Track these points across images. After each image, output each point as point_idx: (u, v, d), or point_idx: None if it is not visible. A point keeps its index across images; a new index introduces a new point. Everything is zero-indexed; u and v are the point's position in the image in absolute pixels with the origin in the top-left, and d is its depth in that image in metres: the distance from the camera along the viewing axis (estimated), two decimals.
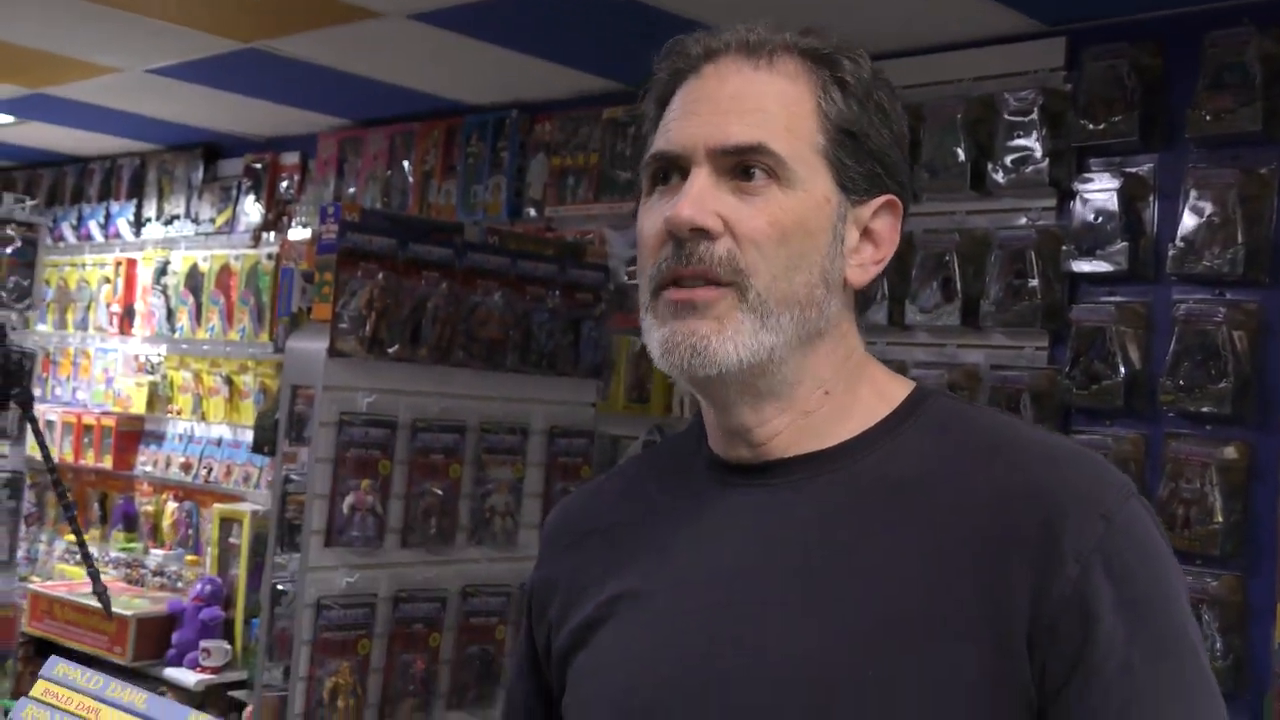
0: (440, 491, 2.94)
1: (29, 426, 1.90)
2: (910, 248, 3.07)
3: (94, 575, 3.02)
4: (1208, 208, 2.65)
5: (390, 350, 2.80)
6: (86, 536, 5.38)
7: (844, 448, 1.01)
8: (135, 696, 0.87)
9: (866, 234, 1.02)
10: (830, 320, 1.01)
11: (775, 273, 0.97)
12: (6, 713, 2.09)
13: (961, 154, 3.01)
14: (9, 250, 2.05)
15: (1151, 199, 2.80)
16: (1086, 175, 2.87)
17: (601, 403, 3.41)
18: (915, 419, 1.02)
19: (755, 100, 0.99)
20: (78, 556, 5.28)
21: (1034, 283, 2.88)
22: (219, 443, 4.94)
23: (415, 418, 2.89)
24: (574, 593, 1.08)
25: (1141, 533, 0.93)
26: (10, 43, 3.93)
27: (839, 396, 1.02)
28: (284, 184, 4.96)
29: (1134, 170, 2.81)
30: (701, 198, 0.97)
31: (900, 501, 0.97)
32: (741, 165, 0.97)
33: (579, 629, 1.06)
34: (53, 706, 0.85)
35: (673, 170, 1.00)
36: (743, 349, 0.96)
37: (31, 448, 3.17)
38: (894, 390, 1.04)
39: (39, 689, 0.86)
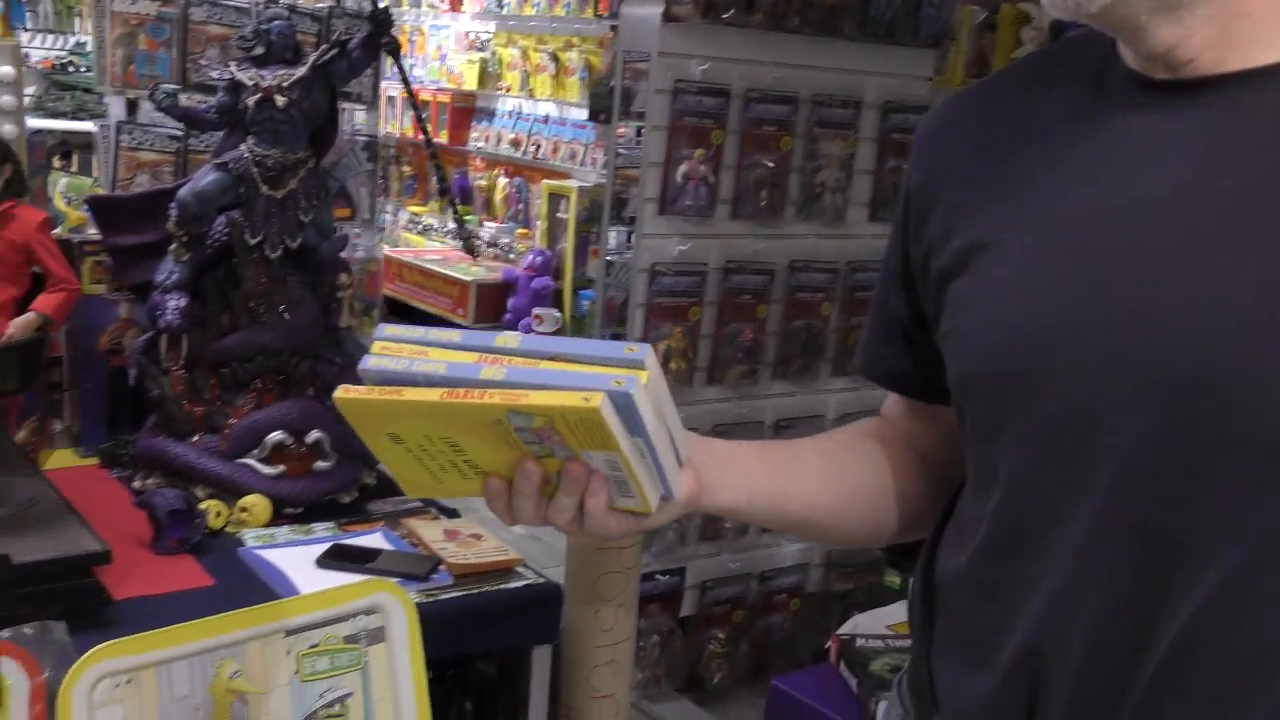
0: (771, 164, 2.90)
1: (398, 76, 1.95)
2: None
3: (459, 221, 3.20)
4: None
5: (725, 15, 2.73)
6: (424, 209, 5.73)
7: None
8: (452, 335, 0.92)
9: None
10: None
11: None
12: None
13: None
14: None
15: None
16: None
17: (938, 77, 3.24)
18: None
19: None
20: (421, 226, 5.64)
21: None
22: (546, 120, 5.06)
23: (748, 87, 2.83)
24: (957, 209, 0.99)
25: None
26: None
27: None
28: None
29: None
30: None
31: None
32: None
33: (963, 251, 0.97)
34: (390, 355, 0.91)
35: None
36: None
37: (382, 121, 3.32)
38: None
39: (376, 348, 0.92)
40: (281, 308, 1.88)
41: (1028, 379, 0.91)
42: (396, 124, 5.48)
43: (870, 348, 1.17)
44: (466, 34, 5.46)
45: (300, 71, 1.87)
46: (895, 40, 3.02)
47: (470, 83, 5.33)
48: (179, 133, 2.53)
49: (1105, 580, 0.87)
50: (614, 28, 3.82)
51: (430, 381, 0.89)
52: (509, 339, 0.91)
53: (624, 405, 0.87)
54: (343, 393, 0.90)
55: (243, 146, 1.86)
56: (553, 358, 0.90)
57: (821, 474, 1.12)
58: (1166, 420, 0.83)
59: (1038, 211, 0.93)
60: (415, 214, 5.56)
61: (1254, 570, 0.81)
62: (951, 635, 1.02)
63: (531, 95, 5.02)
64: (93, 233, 2.06)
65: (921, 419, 1.14)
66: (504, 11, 5.16)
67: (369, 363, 0.91)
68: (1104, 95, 0.93)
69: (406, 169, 5.75)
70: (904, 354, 1.11)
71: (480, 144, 5.33)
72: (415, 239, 5.55)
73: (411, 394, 0.89)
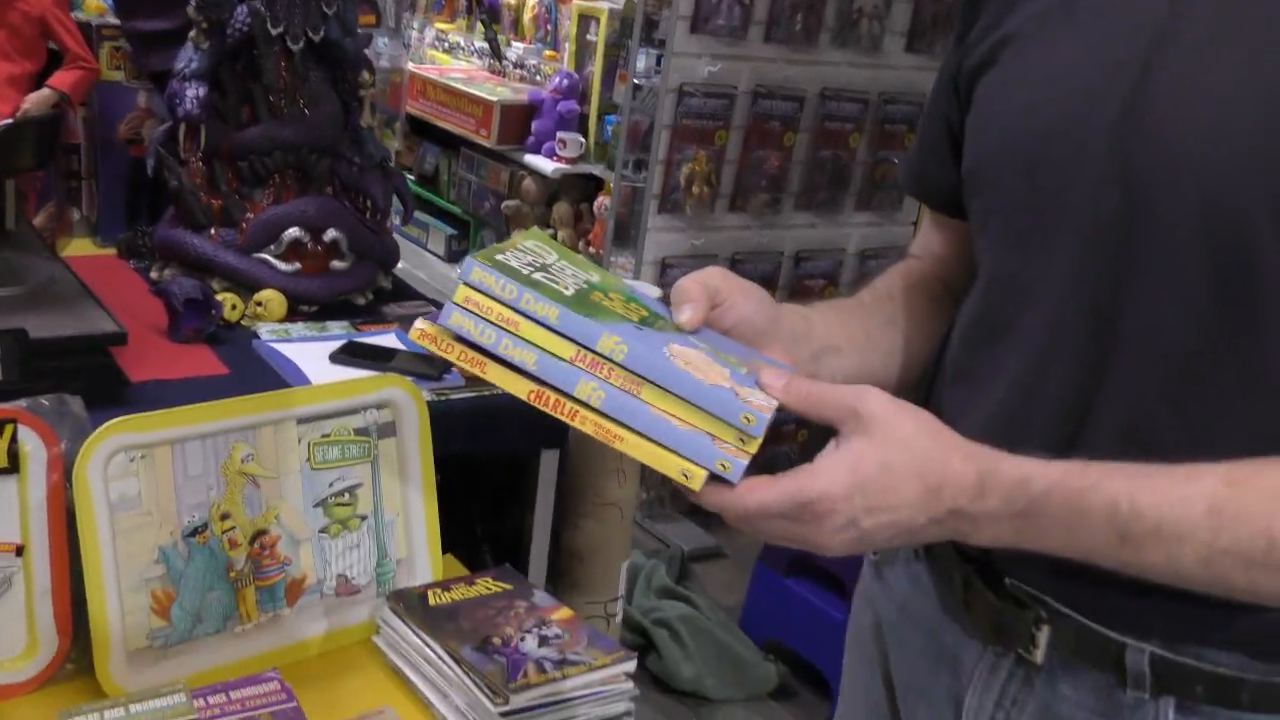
0: None
1: None
2: None
3: (491, 39, 3.15)
4: None
5: None
6: (452, 26, 5.61)
7: None
8: (549, 311, 0.85)
9: None
10: None
11: None
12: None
13: None
14: None
15: None
16: None
17: None
18: None
19: None
20: (447, 44, 5.53)
21: None
22: None
23: None
24: (996, 9, 1.00)
25: None
26: None
27: None
28: None
29: None
30: None
31: None
32: None
33: (993, 45, 0.99)
34: (477, 316, 0.86)
35: None
36: None
37: None
38: None
39: (460, 295, 0.86)
40: (302, 102, 1.85)
41: (1019, 169, 0.94)
42: None
43: (916, 161, 1.17)
44: None
45: None
46: None
47: None
48: None
49: (1063, 363, 0.90)
50: None
51: (517, 369, 0.85)
52: (615, 343, 0.84)
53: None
54: (420, 336, 0.86)
55: None
56: (662, 386, 0.84)
57: (860, 322, 1.10)
58: (1124, 203, 0.86)
59: (1060, 2, 0.94)
60: (442, 31, 5.44)
61: (1198, 360, 0.84)
62: None
63: None
64: (111, 18, 2.02)
65: (959, 241, 1.13)
66: None
67: (450, 319, 0.86)
68: None
69: None
70: (948, 164, 1.10)
71: None
72: (441, 57, 5.44)
73: (496, 373, 0.85)
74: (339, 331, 1.75)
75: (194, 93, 1.78)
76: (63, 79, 1.74)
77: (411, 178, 5.09)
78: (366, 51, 1.98)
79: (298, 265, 1.80)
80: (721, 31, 2.71)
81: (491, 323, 0.85)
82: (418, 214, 4.89)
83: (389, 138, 3.05)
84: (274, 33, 1.80)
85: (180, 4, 1.81)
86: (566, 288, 0.89)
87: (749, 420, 0.83)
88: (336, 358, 1.64)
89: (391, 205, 1.98)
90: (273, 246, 1.79)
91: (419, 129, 4.96)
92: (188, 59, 1.79)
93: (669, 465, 0.82)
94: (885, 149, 3.03)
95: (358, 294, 1.88)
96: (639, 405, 0.83)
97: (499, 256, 0.90)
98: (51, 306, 1.46)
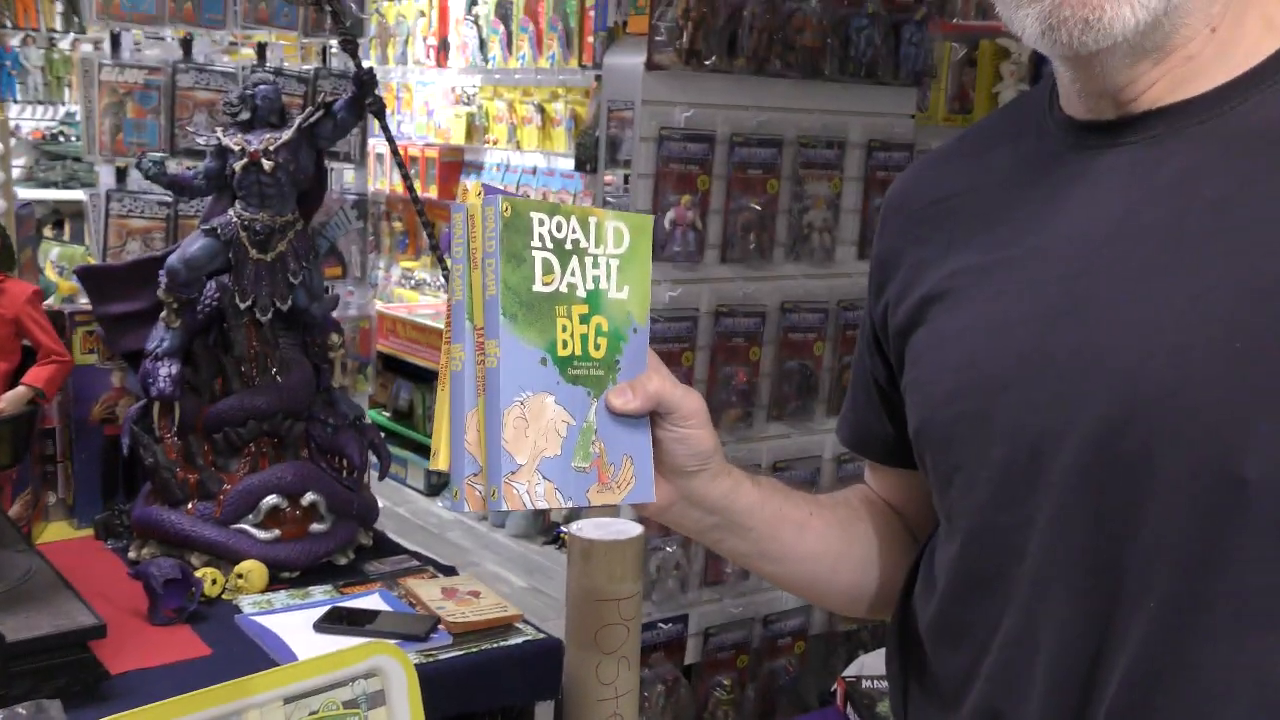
0: (758, 207, 2.91)
1: (383, 136, 1.95)
2: None
3: (441, 261, 3.21)
4: None
5: (707, 62, 2.74)
6: (415, 264, 5.73)
7: (1216, 94, 0.87)
8: (490, 283, 0.92)
9: None
10: None
11: None
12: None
13: None
14: None
15: None
16: None
17: (921, 114, 3.25)
18: None
19: None
20: (414, 281, 5.64)
21: None
22: (534, 171, 5.07)
23: (733, 132, 2.84)
24: (915, 268, 1.02)
25: None
26: None
27: (1225, 31, 0.87)
28: None
29: None
30: None
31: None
32: None
33: (919, 305, 1.00)
34: (491, 228, 0.92)
35: None
36: (1139, 8, 0.83)
37: (370, 179, 3.34)
38: None
39: (505, 205, 0.91)
40: (274, 370, 1.87)
41: (976, 423, 0.93)
42: (386, 181, 5.50)
43: (851, 418, 1.18)
44: (453, 89, 5.50)
45: (286, 135, 1.87)
46: (877, 79, 3.03)
47: (458, 137, 5.35)
48: (168, 199, 2.53)
49: (1057, 621, 0.87)
50: (598, 78, 3.84)
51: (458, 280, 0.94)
52: (494, 351, 0.91)
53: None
54: (464, 194, 0.93)
55: (230, 211, 1.86)
56: (485, 410, 0.92)
57: (820, 520, 1.12)
58: (1100, 453, 0.84)
59: (986, 259, 0.95)
60: (408, 269, 5.57)
61: (1191, 604, 0.81)
62: (925, 686, 1.03)
63: (519, 147, 5.05)
64: (84, 302, 2.05)
65: (905, 487, 1.13)
66: (489, 65, 5.19)
67: (490, 208, 0.91)
68: (1046, 143, 0.96)
69: (398, 225, 5.76)
70: (884, 420, 1.11)
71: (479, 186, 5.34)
72: (409, 294, 5.55)
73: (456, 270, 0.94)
74: (322, 597, 1.73)
75: (168, 371, 1.80)
76: (38, 374, 1.76)
77: (387, 414, 5.12)
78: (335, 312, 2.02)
79: (277, 532, 1.79)
80: (679, 258, 2.78)
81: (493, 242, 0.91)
82: (395, 451, 4.89)
83: (362, 383, 3.08)
84: (243, 306, 1.84)
85: (150, 286, 1.86)
86: (552, 282, 0.93)
87: (455, 495, 0.92)
88: (321, 626, 1.61)
89: (368, 461, 1.99)
90: (251, 516, 1.78)
91: (391, 366, 5.02)
92: (159, 339, 1.82)
93: (440, 453, 0.93)
94: (849, 354, 3.07)
95: (339, 554, 1.86)
96: (466, 399, 0.92)
97: (547, 217, 0.94)
98: (28, 604, 1.44)
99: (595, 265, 0.96)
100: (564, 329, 0.94)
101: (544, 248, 0.93)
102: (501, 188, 0.92)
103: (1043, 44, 0.87)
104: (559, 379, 0.93)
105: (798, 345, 3.03)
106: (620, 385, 0.96)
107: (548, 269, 0.93)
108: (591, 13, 4.43)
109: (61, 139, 6.53)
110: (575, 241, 0.95)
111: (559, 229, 0.94)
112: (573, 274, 0.94)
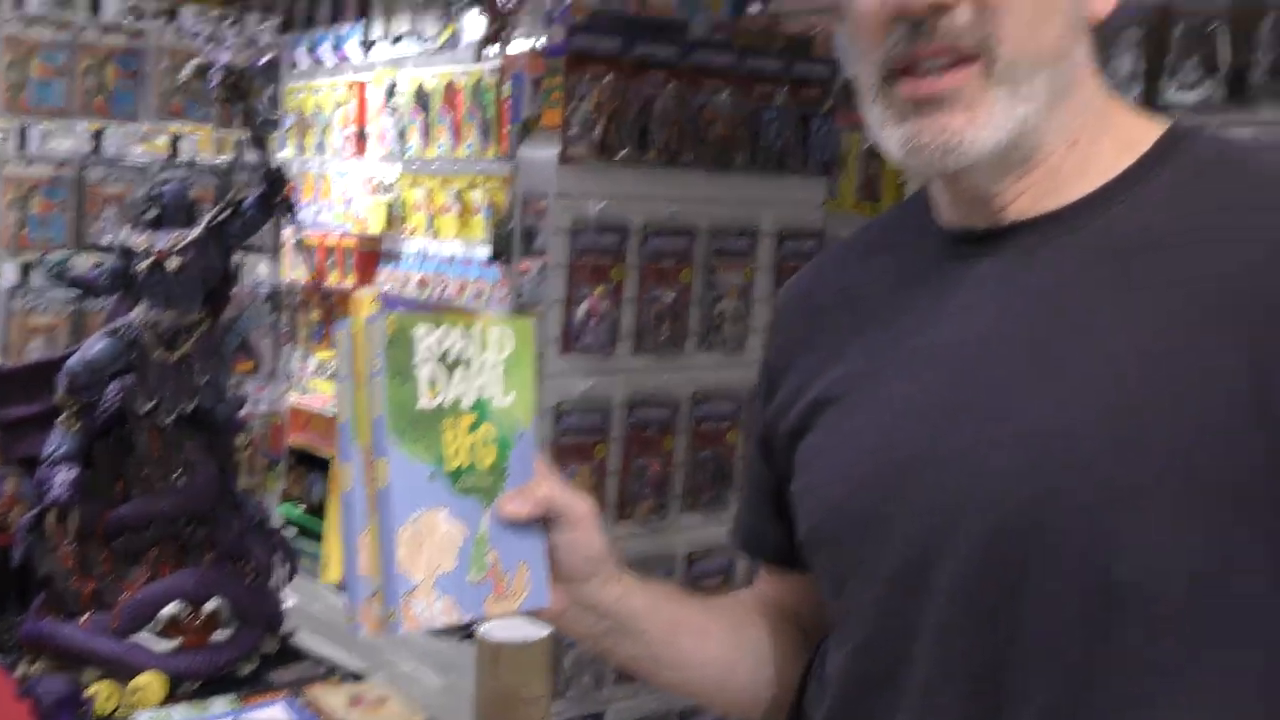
0: (671, 297, 2.94)
1: (291, 239, 1.94)
2: (1168, 17, 2.81)
3: None
4: None
5: (619, 155, 2.78)
6: (332, 354, 5.68)
7: (1077, 207, 0.91)
8: (377, 405, 0.91)
9: None
10: (1077, 67, 0.91)
11: (1023, 32, 0.87)
12: (285, 519, 2.26)
13: None
14: (263, 61, 2.09)
15: None
16: None
17: (830, 201, 3.32)
18: (1168, 163, 0.90)
19: None
20: (330, 372, 5.57)
21: None
22: (451, 260, 5.06)
23: (645, 223, 2.87)
24: (802, 373, 1.04)
25: None
26: None
27: (1085, 146, 0.92)
28: None
29: None
30: None
31: (1148, 257, 0.87)
32: None
33: (807, 410, 1.02)
34: (377, 347, 0.91)
35: None
36: (999, 130, 0.88)
37: (284, 270, 3.31)
38: (1142, 134, 0.93)
39: (392, 324, 0.92)
40: (177, 473, 1.83)
41: (867, 528, 0.94)
42: (301, 271, 5.46)
43: (744, 522, 1.18)
44: (371, 178, 5.49)
45: (193, 233, 1.85)
46: (786, 169, 3.09)
47: (376, 226, 5.33)
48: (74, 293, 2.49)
49: None
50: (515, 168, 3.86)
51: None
52: (384, 470, 0.91)
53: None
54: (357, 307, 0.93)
55: (135, 312, 1.83)
56: (379, 533, 0.91)
57: (714, 624, 1.12)
58: (983, 558, 0.86)
59: (873, 364, 0.98)
60: (324, 360, 5.51)
61: (1071, 708, 0.83)
62: None
63: (437, 235, 5.04)
64: None
65: (798, 590, 1.13)
66: (408, 154, 5.20)
67: (375, 326, 0.91)
68: (925, 252, 0.99)
69: (314, 315, 5.72)
70: (776, 524, 1.11)
71: (388, 287, 5.32)
72: (324, 385, 5.48)
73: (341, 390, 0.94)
74: (223, 709, 1.67)
75: (64, 477, 1.75)
76: None
77: (301, 507, 5.03)
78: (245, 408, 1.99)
79: (178, 641, 1.74)
80: (592, 349, 2.79)
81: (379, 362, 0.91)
82: (308, 546, 4.80)
83: (273, 480, 3.03)
84: (145, 408, 1.80)
85: (48, 389, 1.81)
86: (438, 395, 0.93)
87: (351, 619, 0.92)
88: None
89: (275, 564, 1.94)
90: (150, 625, 1.73)
91: (304, 460, 4.94)
92: (57, 443, 1.78)
93: (332, 569, 0.92)
94: None
95: (243, 663, 1.80)
96: (357, 521, 0.92)
97: (431, 330, 0.94)
98: None
99: (480, 374, 0.97)
100: (451, 442, 0.94)
101: (429, 360, 0.93)
102: (398, 295, 0.93)
103: (907, 164, 0.92)
104: (450, 492, 0.93)
105: (711, 435, 3.04)
106: (510, 493, 0.96)
107: (433, 384, 0.93)
108: (509, 103, 4.46)
109: None
110: (460, 351, 0.95)
111: (443, 341, 0.94)
112: (458, 386, 0.95)
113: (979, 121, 0.88)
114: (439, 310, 1.02)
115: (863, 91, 0.93)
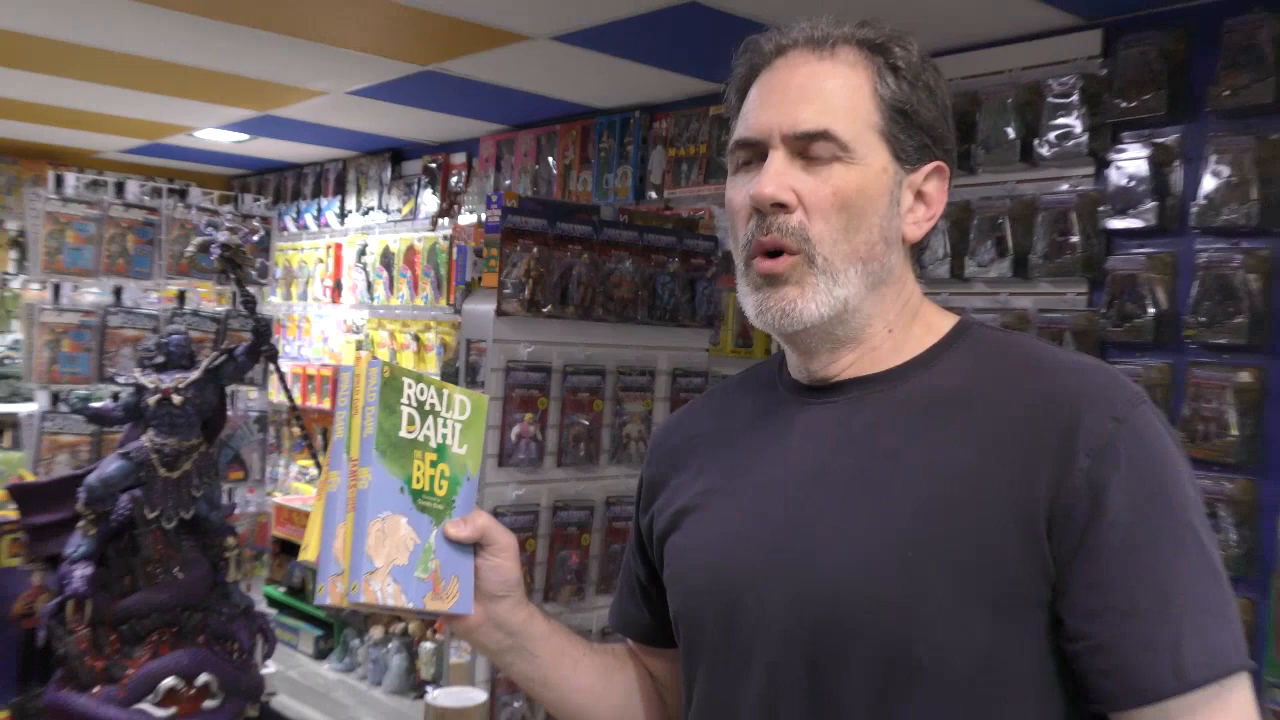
0: (587, 422, 2.99)
1: (275, 375, 1.98)
2: (969, 213, 3.01)
3: (318, 464, 3.16)
4: (1226, 170, 2.55)
5: (544, 310, 2.86)
6: (309, 463, 5.62)
7: (896, 371, 0.99)
8: (369, 426, 0.96)
9: (919, 196, 0.99)
10: (892, 270, 0.99)
11: (836, 237, 0.94)
12: (267, 598, 2.25)
13: (1012, 132, 2.93)
14: (255, 238, 2.15)
15: (1177, 164, 2.70)
16: (1120, 146, 2.77)
17: (714, 347, 3.42)
18: (958, 345, 0.99)
19: (819, 89, 0.95)
20: (309, 476, 5.52)
21: (1075, 239, 2.80)
22: None
23: (566, 363, 2.94)
24: (673, 487, 1.08)
25: (1150, 434, 0.87)
26: (246, 76, 4.07)
27: (899, 333, 1.00)
28: (454, 179, 5.06)
29: (1162, 140, 2.71)
30: (778, 176, 0.94)
31: (941, 411, 0.94)
32: (810, 147, 0.95)
33: (675, 515, 1.06)
34: (374, 383, 0.97)
35: (754, 153, 0.97)
36: (822, 305, 0.95)
37: (271, 394, 3.32)
38: (941, 324, 1.02)
39: (385, 370, 0.97)
40: (175, 569, 1.83)
41: (718, 612, 0.98)
42: (285, 394, 5.43)
43: (618, 607, 1.22)
44: (344, 321, 5.53)
45: (194, 375, 1.88)
46: (678, 322, 3.19)
47: (348, 359, 5.35)
48: None
49: None
50: (455, 325, 3.92)
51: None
52: (367, 477, 0.95)
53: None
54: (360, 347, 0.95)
55: (144, 438, 1.85)
56: (353, 521, 0.95)
57: (590, 660, 1.13)
58: (813, 641, 0.90)
59: (729, 482, 1.03)
60: (304, 467, 5.46)
61: None
62: None
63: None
64: (9, 511, 1.98)
65: (661, 660, 1.17)
66: (375, 302, 5.25)
67: (371, 371, 0.97)
68: (776, 398, 1.06)
69: (296, 430, 5.66)
70: (644, 609, 1.16)
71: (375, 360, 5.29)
72: (304, 488, 5.43)
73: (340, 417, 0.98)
74: None
75: (82, 573, 1.75)
76: None
77: (282, 589, 4.93)
78: (235, 512, 1.99)
79: (174, 709, 1.72)
80: (524, 464, 2.83)
81: (372, 395, 0.95)
82: (287, 620, 4.71)
83: (259, 569, 3.00)
84: (150, 516, 1.81)
85: (70, 499, 1.82)
86: (414, 431, 0.98)
87: (320, 590, 0.94)
88: None
89: (257, 644, 1.94)
90: (151, 696, 1.71)
91: (287, 549, 4.86)
92: (76, 544, 1.78)
93: (310, 549, 0.94)
94: None
95: None
96: (337, 514, 0.95)
97: (414, 383, 0.99)
98: None
99: (444, 425, 1.02)
100: (419, 468, 0.99)
101: (410, 404, 0.98)
102: (381, 360, 0.99)
103: (758, 323, 0.99)
104: (412, 506, 0.98)
105: (621, 531, 3.07)
106: (456, 519, 1.00)
107: (411, 420, 0.98)
108: (456, 265, 4.56)
109: (8, 361, 6.29)
110: (432, 405, 1.01)
111: (422, 393, 1.00)
112: (428, 428, 1.00)
113: (806, 296, 0.95)
114: (419, 373, 1.08)
115: (737, 270, 1.01)
